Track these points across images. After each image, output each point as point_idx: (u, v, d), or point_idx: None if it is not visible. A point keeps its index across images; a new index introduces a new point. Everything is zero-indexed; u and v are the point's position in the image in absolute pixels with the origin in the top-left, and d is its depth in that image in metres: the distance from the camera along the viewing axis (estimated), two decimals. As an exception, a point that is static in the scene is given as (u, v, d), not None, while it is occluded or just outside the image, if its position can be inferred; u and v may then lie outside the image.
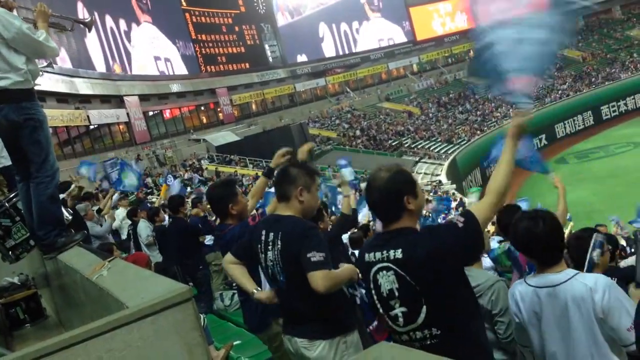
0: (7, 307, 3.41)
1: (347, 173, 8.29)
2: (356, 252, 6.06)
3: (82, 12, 28.05)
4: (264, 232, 2.68)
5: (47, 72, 21.06)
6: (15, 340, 3.24)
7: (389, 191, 2.12)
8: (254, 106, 42.97)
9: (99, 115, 29.62)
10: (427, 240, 2.06)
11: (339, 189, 7.65)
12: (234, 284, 5.73)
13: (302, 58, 47.34)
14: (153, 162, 29.32)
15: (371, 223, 8.86)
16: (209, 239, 7.07)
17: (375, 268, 2.12)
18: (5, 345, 3.06)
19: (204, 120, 39.13)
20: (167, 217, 7.48)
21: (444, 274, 2.03)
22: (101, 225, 7.07)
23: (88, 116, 28.62)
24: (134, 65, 33.82)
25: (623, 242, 9.12)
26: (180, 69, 37.63)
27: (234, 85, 41.10)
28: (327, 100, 45.73)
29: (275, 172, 3.21)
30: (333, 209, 8.92)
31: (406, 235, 2.10)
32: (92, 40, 30.13)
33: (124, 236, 8.21)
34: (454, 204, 19.51)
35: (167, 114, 36.77)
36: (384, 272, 2.09)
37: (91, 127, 29.60)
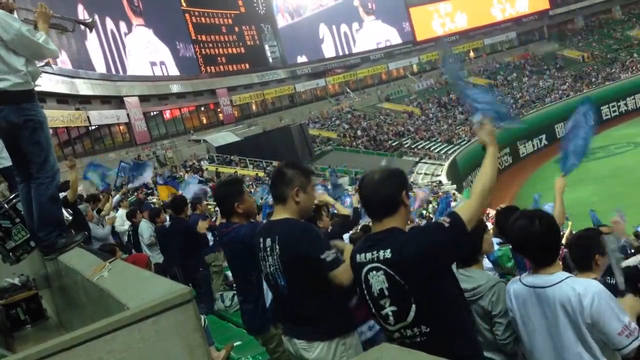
0: (8, 308, 3.41)
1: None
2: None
3: (83, 14, 28.06)
4: (261, 239, 2.69)
5: (47, 72, 21.07)
6: (16, 341, 3.24)
7: (387, 186, 2.21)
8: (254, 107, 42.98)
9: (99, 116, 29.64)
10: (415, 240, 2.13)
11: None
12: (233, 285, 5.73)
13: (302, 59, 47.36)
14: (153, 162, 29.31)
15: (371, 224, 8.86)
16: (211, 240, 7.08)
17: (366, 268, 2.18)
18: (5, 346, 3.06)
19: (204, 121, 39.14)
20: (167, 218, 7.48)
21: (431, 272, 2.09)
22: (102, 226, 7.07)
23: (88, 117, 28.64)
24: (131, 68, 33.79)
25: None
26: (174, 71, 37.52)
27: (234, 85, 41.11)
28: (327, 101, 45.74)
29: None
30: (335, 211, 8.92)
31: (395, 235, 2.16)
32: (92, 42, 30.14)
33: (123, 239, 8.20)
34: (454, 204, 19.50)
35: (167, 115, 36.78)
36: (374, 272, 2.15)
37: (91, 127, 29.61)
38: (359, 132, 38.19)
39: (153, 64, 35.87)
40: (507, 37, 52.23)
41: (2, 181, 5.02)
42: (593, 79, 44.59)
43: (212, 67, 40.46)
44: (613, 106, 41.61)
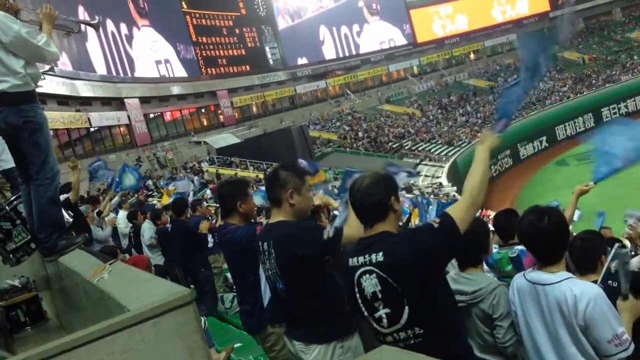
0: (8, 310, 3.41)
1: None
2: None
3: (83, 16, 28.09)
4: (260, 243, 2.71)
5: (49, 74, 21.11)
6: (16, 343, 3.24)
7: (375, 193, 2.21)
8: (254, 108, 43.01)
9: (99, 118, 29.67)
10: (407, 242, 2.14)
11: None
12: (234, 287, 5.74)
13: (302, 60, 47.40)
14: (154, 164, 29.35)
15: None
16: (211, 241, 7.08)
17: (358, 272, 2.19)
18: (6, 348, 3.06)
19: (205, 123, 39.16)
20: (168, 219, 7.48)
21: (424, 274, 2.10)
22: (102, 229, 7.07)
23: (89, 118, 28.67)
24: (136, 69, 33.86)
25: (628, 243, 9.04)
26: (180, 71, 37.67)
27: (234, 87, 41.15)
28: (328, 103, 45.76)
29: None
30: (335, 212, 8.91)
31: (386, 239, 2.17)
32: (92, 43, 30.18)
33: (125, 241, 8.19)
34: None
35: (167, 116, 36.82)
36: (367, 275, 2.16)
37: (92, 129, 29.63)
38: (359, 134, 38.19)
39: (158, 62, 35.96)
40: (507, 39, 52.23)
41: (4, 183, 5.02)
42: (593, 81, 44.59)
43: (213, 69, 40.50)
44: (613, 108, 41.60)
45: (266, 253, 2.66)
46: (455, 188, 27.53)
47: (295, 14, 48.48)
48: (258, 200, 9.80)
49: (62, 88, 26.25)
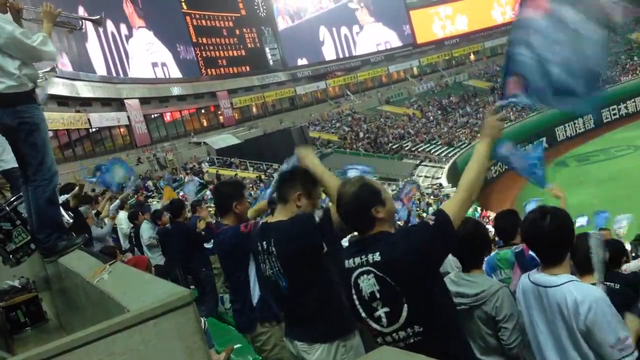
0: (8, 311, 3.41)
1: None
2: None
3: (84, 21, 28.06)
4: (258, 243, 2.72)
5: (49, 75, 21.10)
6: (16, 343, 3.24)
7: (356, 206, 2.21)
8: (254, 109, 43.01)
9: (99, 118, 29.67)
10: (403, 241, 2.14)
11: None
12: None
13: (302, 61, 47.40)
14: (154, 165, 29.35)
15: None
16: (210, 242, 7.08)
17: (355, 273, 2.19)
18: (6, 348, 3.06)
19: (205, 123, 39.16)
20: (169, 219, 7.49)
21: (422, 272, 2.11)
22: (101, 228, 7.08)
23: (89, 119, 28.68)
24: (132, 70, 33.85)
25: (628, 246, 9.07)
26: (176, 73, 37.63)
27: (234, 88, 41.14)
28: (328, 103, 45.76)
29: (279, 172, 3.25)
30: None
31: (382, 238, 2.17)
32: (92, 44, 30.20)
33: (126, 242, 8.20)
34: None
35: (167, 117, 36.82)
36: (365, 276, 2.16)
37: (92, 130, 29.65)
38: (360, 135, 38.18)
39: (155, 64, 35.94)
40: (507, 40, 52.23)
41: (5, 183, 5.02)
42: (593, 82, 44.56)
43: (213, 70, 40.49)
44: (613, 109, 41.61)
45: (266, 252, 2.67)
46: (455, 189, 27.52)
47: (295, 14, 48.50)
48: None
49: (62, 89, 26.27)
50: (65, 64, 27.12)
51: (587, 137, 39.07)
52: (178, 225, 6.89)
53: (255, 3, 45.33)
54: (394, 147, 36.79)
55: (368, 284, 2.15)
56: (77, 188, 6.22)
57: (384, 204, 2.22)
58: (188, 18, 39.35)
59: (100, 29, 27.90)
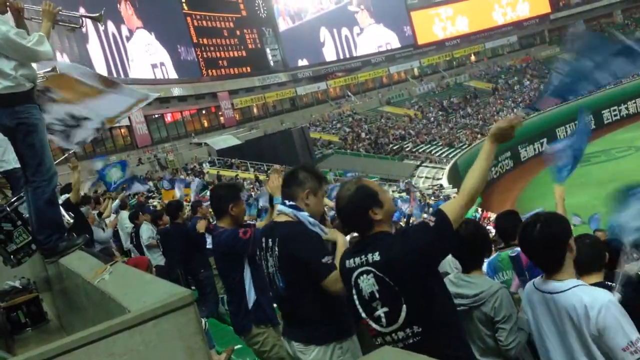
0: (9, 311, 3.41)
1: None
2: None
3: (84, 20, 28.11)
4: (264, 240, 2.74)
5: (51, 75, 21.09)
6: (17, 344, 3.24)
7: (353, 209, 2.22)
8: (255, 110, 43.02)
9: (100, 119, 29.61)
10: (402, 241, 2.15)
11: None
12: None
13: (303, 62, 47.41)
14: (154, 165, 29.36)
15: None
16: (209, 242, 7.08)
17: (355, 273, 2.20)
18: (6, 349, 3.06)
19: (205, 124, 39.17)
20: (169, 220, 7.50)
21: (420, 272, 2.12)
22: (104, 230, 7.09)
23: (89, 120, 28.61)
24: (133, 71, 33.88)
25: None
26: (177, 74, 37.63)
27: (235, 89, 41.17)
28: (329, 104, 45.76)
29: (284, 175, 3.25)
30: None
31: (382, 239, 2.19)
32: (93, 45, 30.22)
33: (128, 241, 8.21)
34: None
35: (168, 118, 36.83)
36: (364, 275, 2.17)
37: (92, 130, 29.58)
38: (362, 135, 38.17)
39: (154, 65, 35.95)
40: (508, 41, 52.27)
41: (6, 184, 5.02)
42: (594, 83, 44.55)
43: (214, 71, 40.50)
44: (614, 110, 41.62)
45: (269, 250, 2.68)
46: (455, 190, 27.53)
47: (295, 15, 48.52)
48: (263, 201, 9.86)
49: (63, 89, 26.23)
50: (66, 64, 27.14)
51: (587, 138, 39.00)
52: (177, 226, 6.91)
53: (256, 4, 45.35)
54: (394, 148, 36.78)
55: (368, 284, 2.16)
56: (75, 174, 6.02)
57: (381, 205, 2.22)
58: (189, 19, 39.36)
59: (101, 28, 27.88)
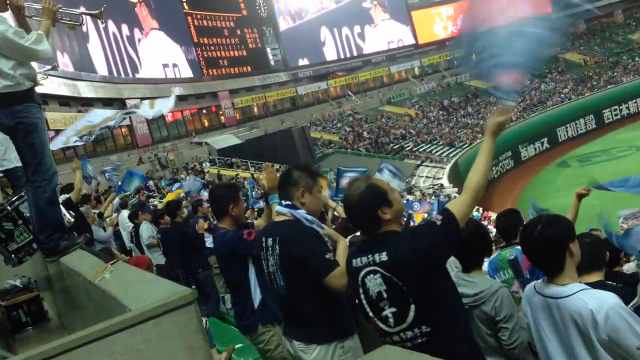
0: (9, 310, 3.41)
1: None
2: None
3: (85, 17, 28.13)
4: (264, 239, 2.74)
5: (51, 75, 21.11)
6: (17, 343, 3.24)
7: (362, 208, 2.21)
8: (255, 109, 43.02)
9: (101, 119, 29.61)
10: (409, 241, 2.12)
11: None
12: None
13: (303, 61, 47.40)
14: (155, 165, 29.37)
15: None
16: (209, 242, 7.09)
17: (362, 272, 2.19)
18: (7, 348, 3.06)
19: (206, 124, 39.17)
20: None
21: (428, 271, 2.10)
22: (104, 230, 7.09)
23: (90, 119, 28.62)
24: (132, 70, 33.91)
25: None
26: (178, 73, 37.70)
27: (235, 88, 41.16)
28: (329, 104, 45.75)
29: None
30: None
31: (389, 238, 2.17)
32: (94, 44, 30.22)
33: (129, 243, 8.21)
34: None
35: (169, 117, 36.78)
36: (371, 275, 2.16)
37: (93, 130, 29.58)
38: (365, 134, 38.15)
39: (165, 65, 36.03)
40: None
41: (7, 183, 5.02)
42: (595, 83, 44.55)
43: (214, 70, 40.51)
44: (615, 110, 41.60)
45: (270, 249, 2.69)
46: (456, 189, 27.50)
47: (296, 15, 48.50)
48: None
49: (64, 89, 26.30)
50: (66, 64, 27.15)
51: (588, 138, 39.04)
52: (176, 225, 6.91)
53: (257, 3, 45.34)
54: (395, 147, 36.77)
55: (375, 283, 2.14)
56: (74, 174, 6.06)
57: (390, 204, 2.21)
58: (189, 18, 39.37)
59: (101, 25, 27.79)
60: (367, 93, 47.41)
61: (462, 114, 42.39)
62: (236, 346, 4.61)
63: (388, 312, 2.14)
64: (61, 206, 3.71)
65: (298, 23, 48.37)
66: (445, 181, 29.69)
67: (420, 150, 36.64)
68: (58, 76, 24.43)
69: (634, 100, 41.85)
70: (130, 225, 8.12)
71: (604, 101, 41.43)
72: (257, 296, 3.27)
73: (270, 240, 2.69)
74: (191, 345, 1.63)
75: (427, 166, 33.93)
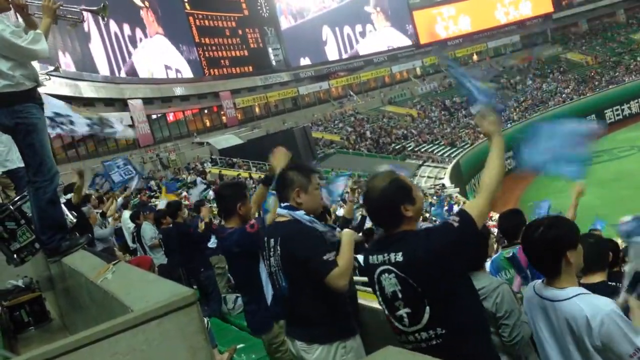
0: (12, 310, 3.42)
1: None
2: (357, 256, 6.07)
3: (87, 17, 28.15)
4: (266, 239, 2.74)
5: (52, 75, 21.15)
6: (20, 343, 3.25)
7: (384, 202, 2.16)
8: (257, 109, 43.02)
9: (102, 119, 29.63)
10: (426, 242, 2.09)
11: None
12: (236, 287, 5.75)
13: (305, 61, 47.41)
14: (157, 165, 29.39)
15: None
16: (212, 242, 7.09)
17: (378, 270, 2.17)
18: (9, 348, 3.06)
19: (208, 124, 39.19)
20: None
21: (444, 273, 2.07)
22: (106, 226, 7.10)
23: (92, 119, 28.65)
24: (131, 70, 33.95)
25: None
26: (179, 73, 37.73)
27: (237, 88, 41.17)
28: (331, 104, 45.74)
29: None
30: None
31: (406, 238, 2.13)
32: (95, 44, 30.26)
33: (130, 242, 8.21)
34: (456, 207, 19.49)
35: (170, 117, 36.85)
36: (386, 274, 2.14)
37: (95, 130, 29.61)
38: (367, 134, 38.12)
39: (168, 67, 36.08)
40: (510, 41, 52.17)
41: (9, 183, 5.03)
42: (596, 83, 44.49)
43: (216, 70, 40.54)
44: (617, 109, 41.53)
45: (272, 250, 2.69)
46: (457, 189, 27.49)
47: (298, 14, 48.51)
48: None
49: (66, 89, 26.31)
50: (68, 64, 27.18)
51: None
52: (178, 225, 6.92)
53: (258, 3, 45.35)
54: (396, 147, 36.76)
55: (390, 283, 2.13)
56: (77, 178, 6.13)
57: (413, 202, 2.17)
58: (191, 18, 39.40)
59: (102, 22, 27.78)
60: (369, 93, 47.38)
61: (463, 114, 42.32)
62: (238, 346, 4.62)
63: (403, 312, 2.12)
64: (63, 206, 3.72)
65: (299, 22, 48.38)
66: (447, 181, 29.65)
67: (422, 150, 36.61)
68: (60, 76, 24.44)
69: (636, 100, 41.80)
70: (132, 225, 8.12)
71: (606, 101, 41.36)
72: (269, 292, 3.21)
73: (272, 241, 2.69)
74: (193, 346, 1.63)
75: (428, 166, 33.90)
